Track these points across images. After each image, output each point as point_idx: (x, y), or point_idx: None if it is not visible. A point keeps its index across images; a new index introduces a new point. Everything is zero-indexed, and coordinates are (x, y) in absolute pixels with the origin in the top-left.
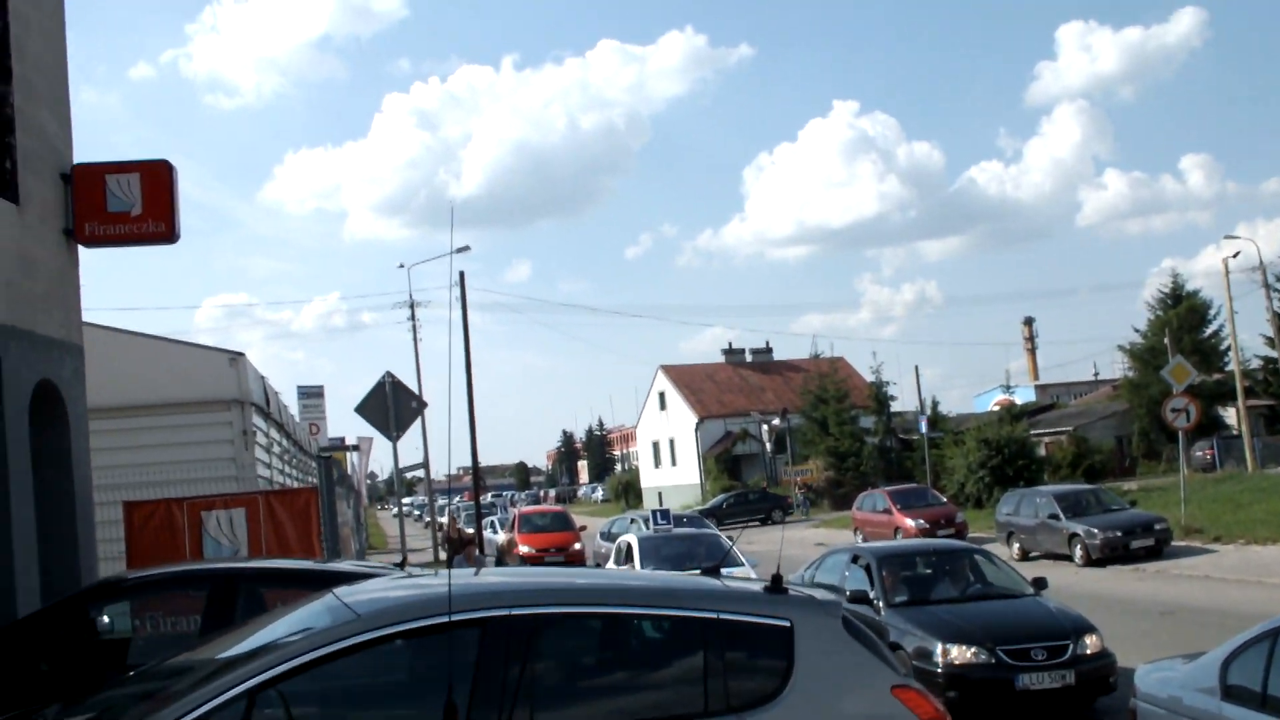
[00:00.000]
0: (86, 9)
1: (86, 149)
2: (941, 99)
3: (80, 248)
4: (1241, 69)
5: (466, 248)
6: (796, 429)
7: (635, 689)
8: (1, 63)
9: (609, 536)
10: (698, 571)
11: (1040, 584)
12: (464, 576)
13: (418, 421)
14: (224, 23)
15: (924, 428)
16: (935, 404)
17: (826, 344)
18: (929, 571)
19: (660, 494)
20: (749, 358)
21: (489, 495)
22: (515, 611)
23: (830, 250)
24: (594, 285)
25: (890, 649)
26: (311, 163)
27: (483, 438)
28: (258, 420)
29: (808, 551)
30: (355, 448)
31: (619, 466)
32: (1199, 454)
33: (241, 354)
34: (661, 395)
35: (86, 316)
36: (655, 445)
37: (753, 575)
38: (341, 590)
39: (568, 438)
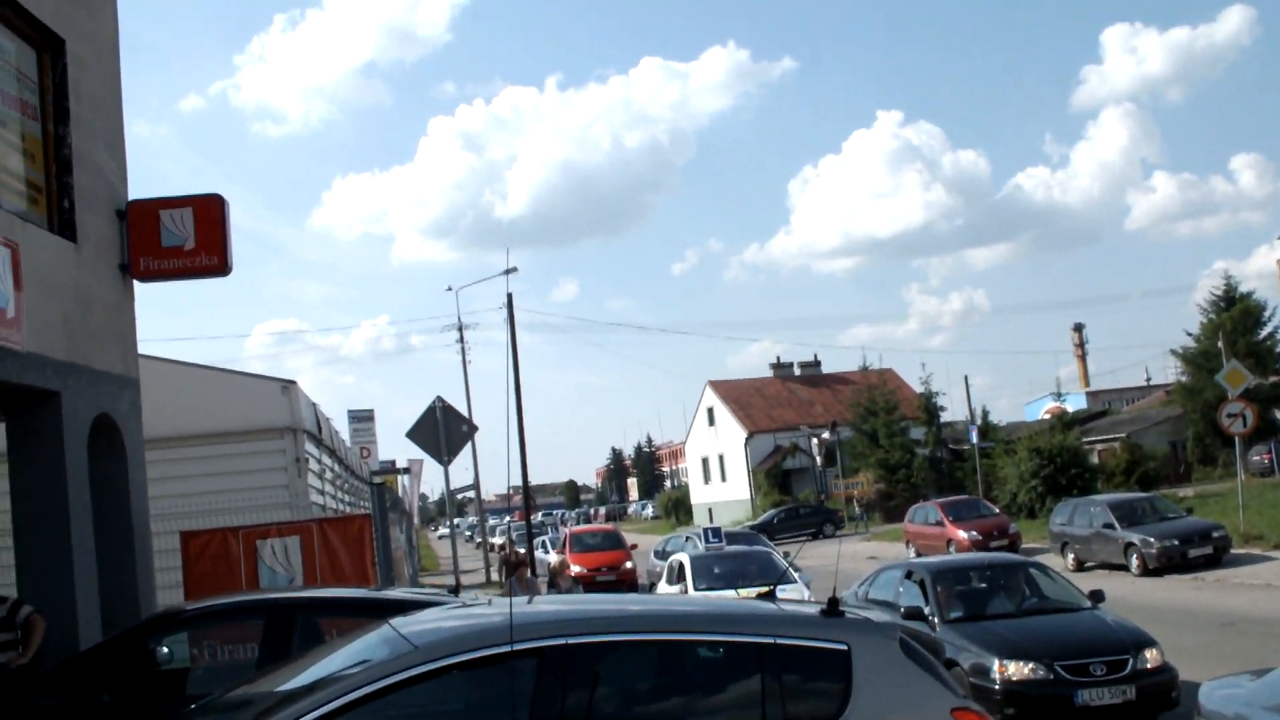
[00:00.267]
0: (138, 45)
1: (139, 180)
2: (986, 107)
3: (135, 282)
4: None
5: (514, 269)
6: (846, 442)
7: (693, 715)
8: (60, 105)
9: (663, 555)
10: (753, 593)
11: (1098, 597)
12: (519, 605)
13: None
14: (271, 53)
15: (974, 438)
16: (985, 413)
17: (875, 356)
18: (984, 586)
19: (710, 510)
20: (797, 371)
21: (539, 514)
22: (572, 640)
23: (877, 261)
24: (641, 302)
25: (946, 666)
26: (359, 188)
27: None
28: (310, 447)
29: (860, 565)
30: (406, 470)
31: (668, 483)
32: (1256, 459)
33: (293, 382)
34: (710, 411)
35: (140, 348)
36: (704, 461)
37: (806, 593)
38: (397, 621)
39: (617, 455)
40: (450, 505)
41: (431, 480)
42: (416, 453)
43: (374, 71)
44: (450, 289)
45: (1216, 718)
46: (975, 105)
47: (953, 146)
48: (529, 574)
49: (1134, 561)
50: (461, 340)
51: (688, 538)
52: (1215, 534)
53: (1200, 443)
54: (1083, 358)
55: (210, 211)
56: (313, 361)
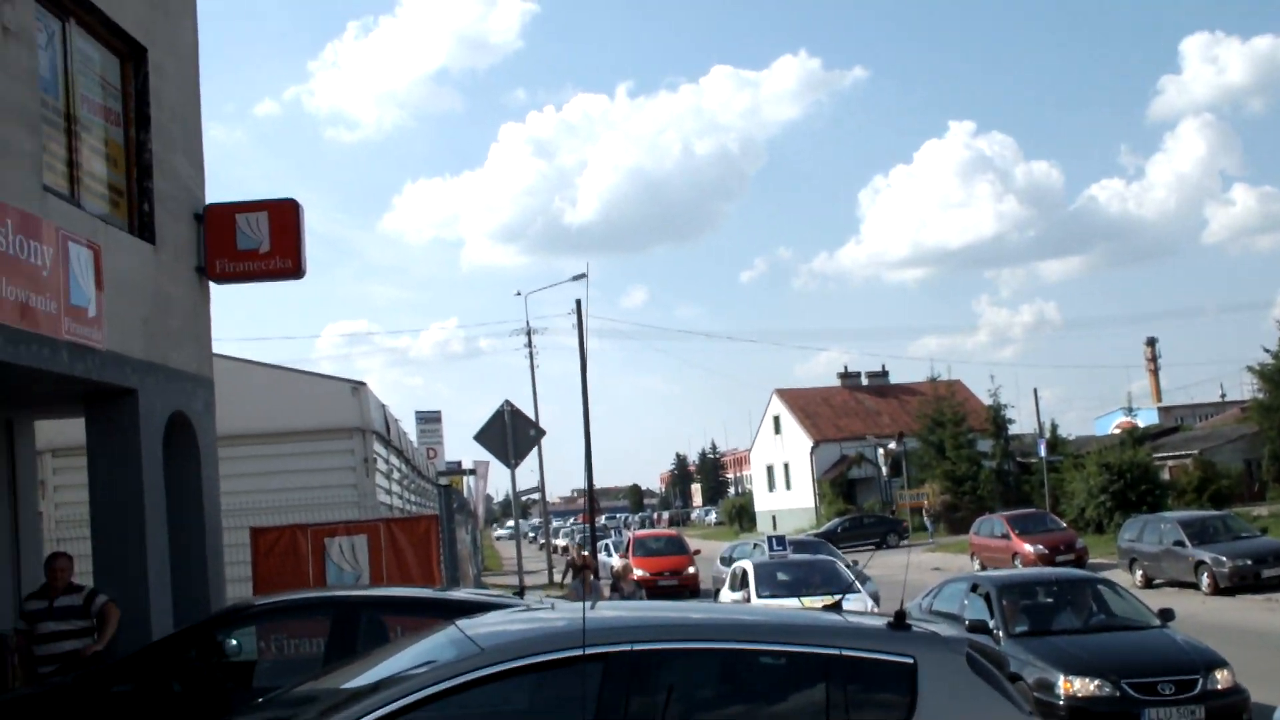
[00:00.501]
0: (215, 52)
1: (215, 184)
2: (1060, 118)
3: (211, 284)
4: None
5: (583, 275)
6: (912, 453)
7: None
8: (141, 111)
9: (728, 561)
10: (817, 602)
11: (1167, 615)
12: (584, 610)
13: None
14: (345, 59)
15: (1043, 451)
16: (1054, 427)
17: (943, 367)
18: (1050, 601)
19: (774, 517)
20: (865, 381)
21: (603, 518)
22: (638, 647)
23: (947, 272)
24: (709, 310)
25: (1010, 680)
26: (430, 192)
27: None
28: (378, 448)
29: (924, 576)
30: (472, 471)
31: (732, 490)
32: None
33: (363, 383)
34: (776, 419)
35: (215, 348)
36: (769, 469)
37: (869, 603)
38: (464, 622)
39: (681, 461)
40: (515, 507)
41: (496, 481)
42: (482, 454)
43: (446, 78)
44: (519, 294)
45: None
46: (1049, 116)
47: (1025, 157)
48: (592, 578)
49: (1205, 580)
50: (530, 345)
51: (755, 545)
52: None
53: (1276, 461)
54: (1155, 372)
55: (285, 215)
56: (382, 363)
